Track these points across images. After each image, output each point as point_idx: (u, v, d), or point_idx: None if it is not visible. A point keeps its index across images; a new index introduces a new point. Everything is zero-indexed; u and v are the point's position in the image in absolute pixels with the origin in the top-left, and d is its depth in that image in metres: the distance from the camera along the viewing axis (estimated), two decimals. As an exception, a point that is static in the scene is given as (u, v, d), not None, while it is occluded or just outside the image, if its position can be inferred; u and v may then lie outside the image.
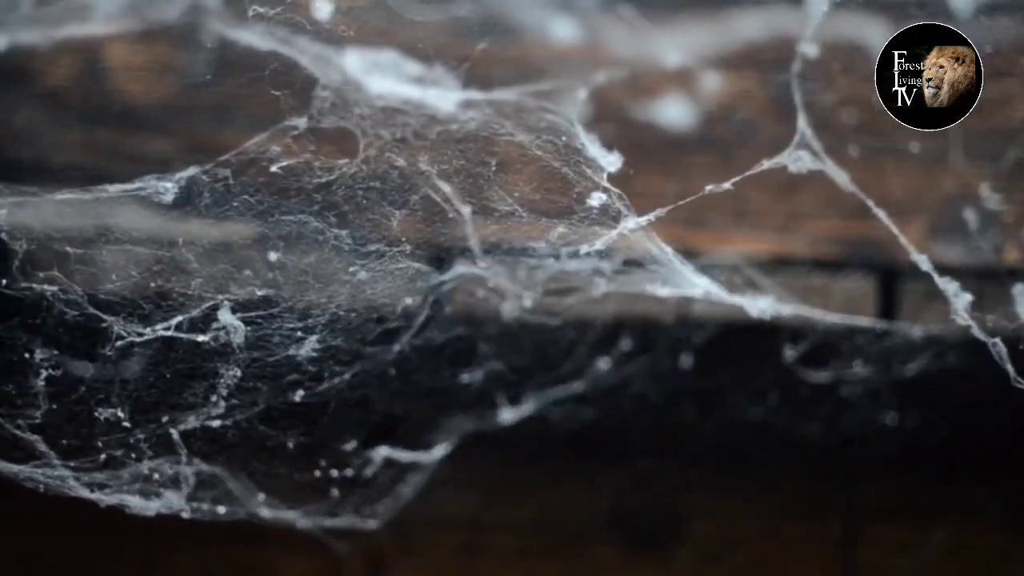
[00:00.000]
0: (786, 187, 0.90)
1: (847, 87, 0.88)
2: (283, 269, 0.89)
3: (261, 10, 0.80)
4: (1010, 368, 0.86)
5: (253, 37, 0.75)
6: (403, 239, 0.90)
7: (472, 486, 1.08)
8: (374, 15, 0.88)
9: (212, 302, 0.87)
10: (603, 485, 1.09)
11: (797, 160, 0.83)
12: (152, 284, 0.88)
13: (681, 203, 0.87)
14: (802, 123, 0.82)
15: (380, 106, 0.78)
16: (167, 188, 0.84)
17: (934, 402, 1.00)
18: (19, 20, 0.70)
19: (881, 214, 0.85)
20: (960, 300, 0.86)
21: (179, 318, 0.87)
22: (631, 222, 0.87)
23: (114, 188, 0.84)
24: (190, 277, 0.88)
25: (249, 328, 0.89)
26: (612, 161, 0.84)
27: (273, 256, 0.88)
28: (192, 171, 0.85)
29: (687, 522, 1.10)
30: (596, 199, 0.88)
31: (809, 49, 0.81)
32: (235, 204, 0.87)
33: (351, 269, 0.89)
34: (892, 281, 0.95)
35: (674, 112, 0.89)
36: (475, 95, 0.78)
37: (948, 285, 0.86)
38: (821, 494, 1.09)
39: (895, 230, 0.85)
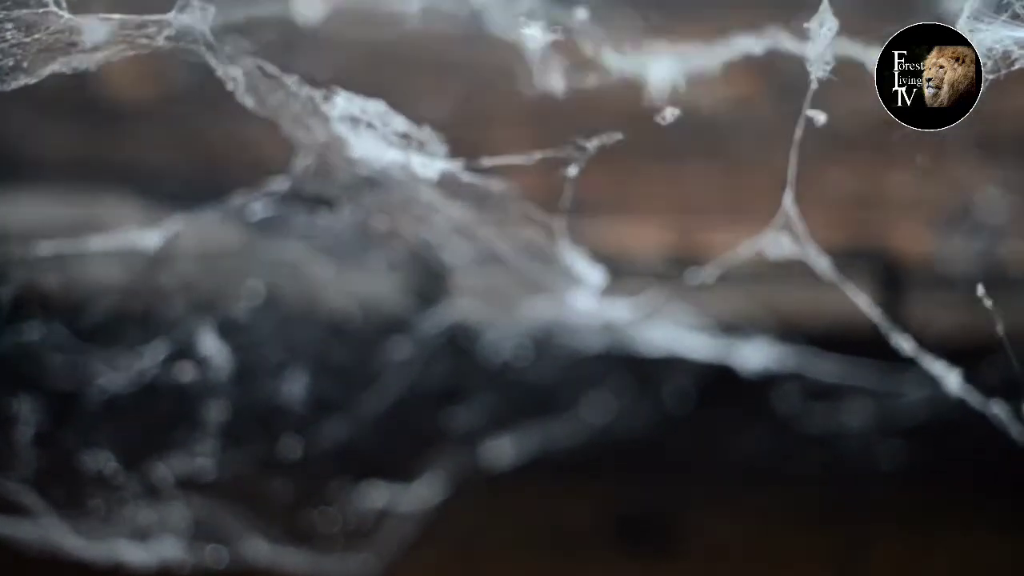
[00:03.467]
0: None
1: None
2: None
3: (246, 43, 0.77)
4: (1013, 429, 0.85)
5: (240, 90, 0.72)
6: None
7: (469, 488, 1.06)
8: (365, 20, 0.86)
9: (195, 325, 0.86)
10: (601, 495, 1.08)
11: (776, 245, 0.82)
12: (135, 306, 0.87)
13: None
14: (787, 201, 0.80)
15: (363, 176, 0.76)
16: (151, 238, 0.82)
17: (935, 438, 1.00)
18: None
19: (862, 300, 0.83)
20: (950, 378, 0.85)
21: (162, 353, 0.84)
22: (622, 310, 0.87)
23: (97, 242, 0.82)
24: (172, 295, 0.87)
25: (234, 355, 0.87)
26: (597, 279, 0.83)
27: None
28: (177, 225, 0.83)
29: (688, 527, 1.09)
30: (582, 302, 0.88)
31: (819, 117, 0.79)
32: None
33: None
34: (893, 283, 0.95)
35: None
36: (459, 168, 0.76)
37: (933, 364, 0.85)
38: (826, 498, 1.08)
39: (875, 318, 0.83)
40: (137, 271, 0.90)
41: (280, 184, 0.83)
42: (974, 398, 0.85)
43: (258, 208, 0.85)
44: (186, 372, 0.88)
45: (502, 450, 1.01)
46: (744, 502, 1.08)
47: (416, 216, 0.84)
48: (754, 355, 0.97)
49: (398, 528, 0.99)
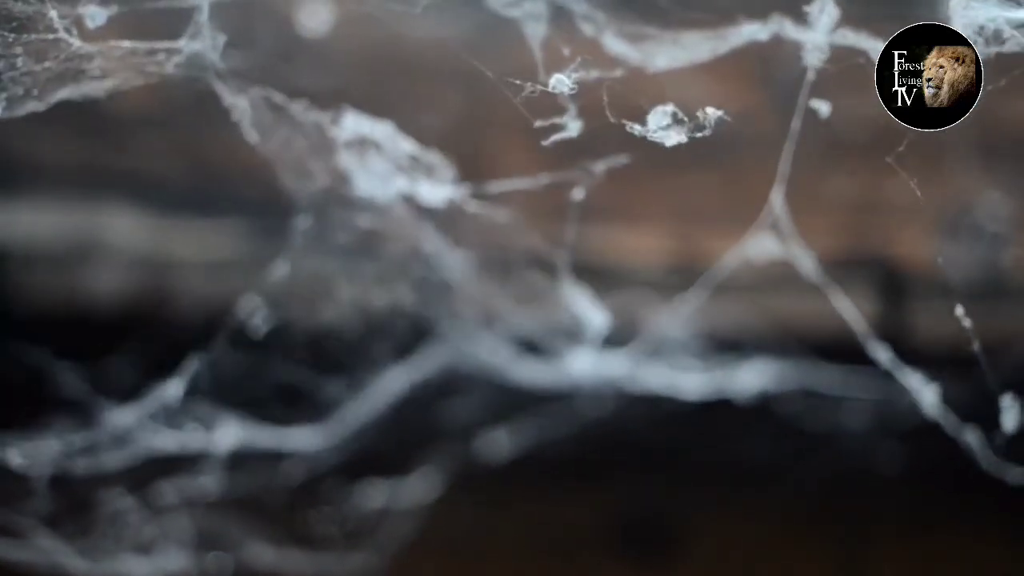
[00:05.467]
0: (788, 193, 0.89)
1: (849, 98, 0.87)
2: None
3: (241, 67, 0.76)
4: (980, 458, 0.85)
5: (245, 116, 0.71)
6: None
7: (470, 498, 1.06)
8: (372, 29, 0.86)
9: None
10: (603, 499, 1.08)
11: (759, 247, 0.82)
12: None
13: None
14: (777, 198, 0.80)
15: (365, 229, 0.75)
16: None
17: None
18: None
19: (847, 307, 0.83)
20: (926, 393, 0.84)
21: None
22: (619, 364, 0.86)
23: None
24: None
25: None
26: (599, 321, 0.83)
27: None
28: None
29: (690, 532, 1.09)
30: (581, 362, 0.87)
31: (822, 108, 0.79)
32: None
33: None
34: (894, 288, 0.95)
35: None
36: (465, 195, 0.75)
37: (910, 378, 0.84)
38: (828, 503, 1.08)
39: (860, 325, 0.83)
40: (141, 283, 0.90)
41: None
42: (949, 421, 0.85)
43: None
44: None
45: (499, 447, 1.01)
46: (745, 506, 1.08)
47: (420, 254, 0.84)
48: (751, 379, 0.97)
49: (397, 527, 0.99)
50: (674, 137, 0.83)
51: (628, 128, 0.80)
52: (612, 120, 0.80)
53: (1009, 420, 0.82)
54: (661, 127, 0.82)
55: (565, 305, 0.83)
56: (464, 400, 0.99)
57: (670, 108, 0.79)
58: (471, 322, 0.91)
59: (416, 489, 0.99)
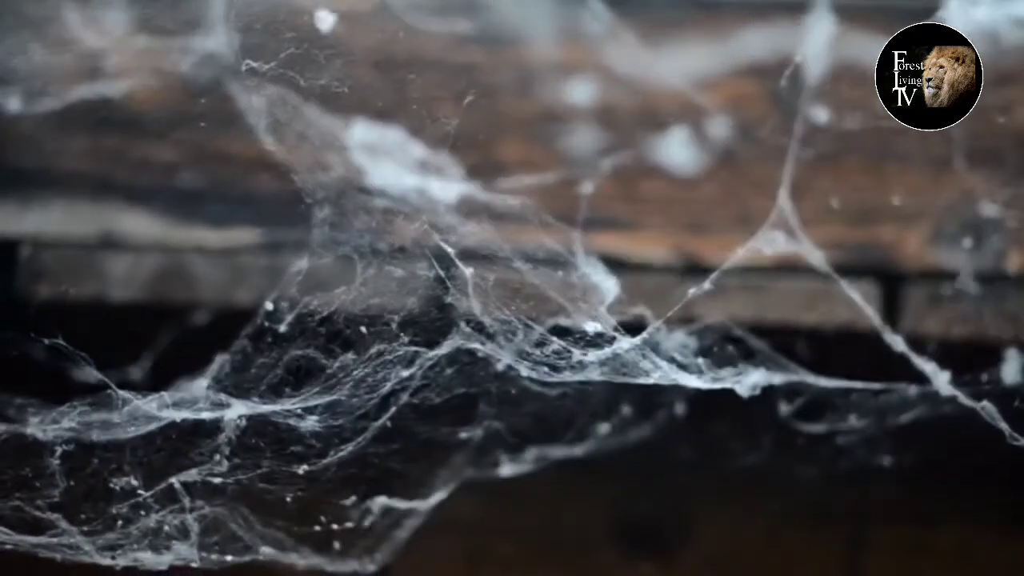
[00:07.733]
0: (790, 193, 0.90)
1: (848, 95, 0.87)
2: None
3: (255, 64, 0.76)
4: (1004, 426, 0.85)
5: (259, 117, 0.72)
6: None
7: (474, 492, 1.06)
8: (376, 26, 0.86)
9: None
10: (607, 493, 1.09)
11: (771, 242, 0.82)
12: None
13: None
14: (783, 197, 0.80)
15: (381, 208, 0.76)
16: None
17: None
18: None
19: (850, 291, 0.84)
20: (940, 377, 0.85)
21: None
22: (625, 343, 0.87)
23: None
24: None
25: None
26: (611, 288, 0.83)
27: None
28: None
29: (691, 530, 1.09)
30: (591, 327, 0.87)
31: (820, 115, 0.79)
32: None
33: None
34: (895, 287, 0.95)
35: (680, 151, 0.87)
36: (476, 190, 0.76)
37: (926, 364, 0.85)
38: (827, 499, 1.09)
39: (869, 311, 0.84)
40: (157, 277, 0.90)
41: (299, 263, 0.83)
42: (964, 396, 0.86)
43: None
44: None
45: (507, 463, 1.01)
46: (747, 507, 1.09)
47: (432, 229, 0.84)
48: (752, 377, 0.98)
49: (402, 530, 1.00)
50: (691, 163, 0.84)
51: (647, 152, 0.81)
52: (628, 137, 0.81)
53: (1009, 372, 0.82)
54: (681, 156, 0.83)
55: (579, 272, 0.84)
56: (476, 398, 0.99)
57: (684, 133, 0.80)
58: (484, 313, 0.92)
59: (418, 506, 0.99)
